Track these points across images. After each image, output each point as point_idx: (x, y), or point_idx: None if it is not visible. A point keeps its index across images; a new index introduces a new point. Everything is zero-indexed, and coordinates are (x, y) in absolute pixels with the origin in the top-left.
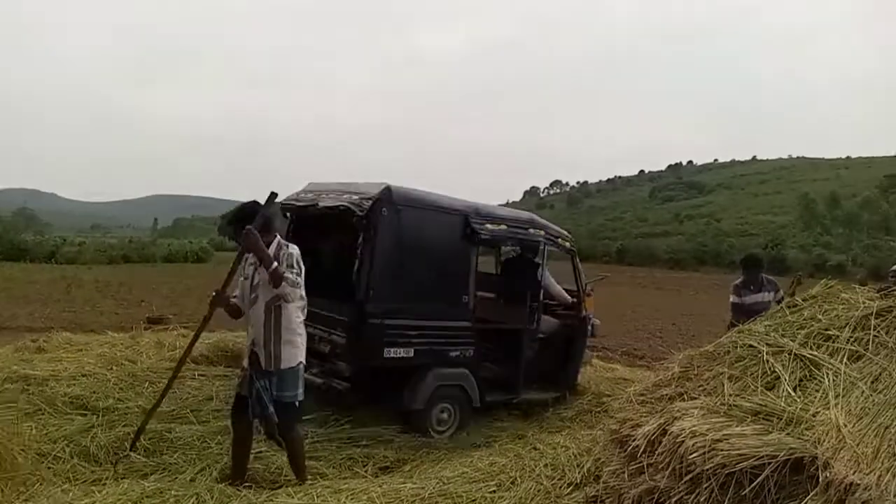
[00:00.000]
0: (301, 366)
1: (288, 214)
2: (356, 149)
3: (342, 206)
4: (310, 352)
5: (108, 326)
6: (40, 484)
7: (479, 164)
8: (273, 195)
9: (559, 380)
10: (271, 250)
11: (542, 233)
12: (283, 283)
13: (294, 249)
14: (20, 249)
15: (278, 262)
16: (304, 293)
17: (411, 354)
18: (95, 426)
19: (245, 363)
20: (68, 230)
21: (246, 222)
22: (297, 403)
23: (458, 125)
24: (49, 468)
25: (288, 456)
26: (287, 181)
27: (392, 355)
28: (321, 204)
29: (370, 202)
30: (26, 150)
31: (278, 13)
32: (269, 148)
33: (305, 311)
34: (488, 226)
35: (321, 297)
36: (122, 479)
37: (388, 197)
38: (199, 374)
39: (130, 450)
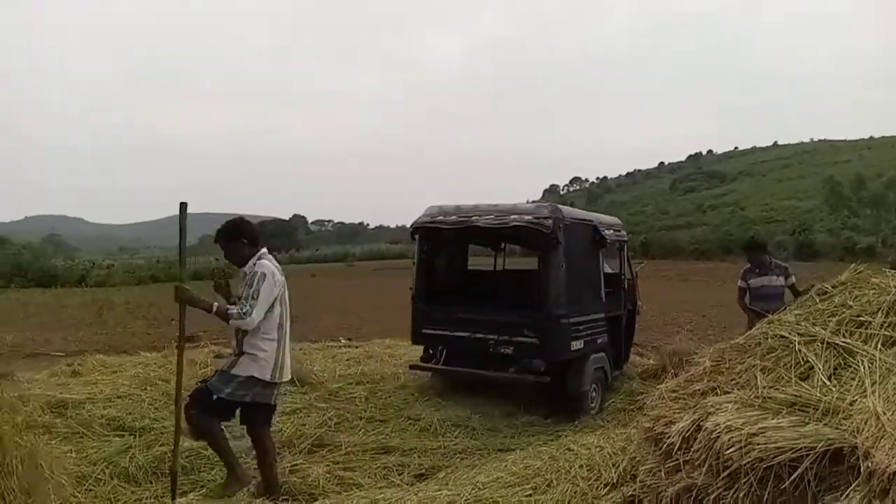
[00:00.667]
0: (250, 378)
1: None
2: (368, 156)
3: (521, 224)
4: (485, 355)
5: (140, 347)
6: None
7: (497, 165)
8: (183, 205)
9: (621, 357)
10: (250, 264)
11: (623, 232)
12: (231, 321)
13: (262, 268)
14: (50, 276)
15: (245, 276)
16: (271, 311)
17: (583, 346)
18: (133, 447)
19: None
20: (97, 254)
21: (227, 240)
22: (214, 397)
23: (472, 127)
24: (90, 490)
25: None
26: (305, 193)
27: (574, 348)
28: (483, 223)
29: (550, 220)
30: (51, 178)
31: (279, 26)
32: (284, 161)
33: (280, 325)
34: (607, 231)
35: (491, 306)
36: (160, 498)
37: (559, 215)
38: None
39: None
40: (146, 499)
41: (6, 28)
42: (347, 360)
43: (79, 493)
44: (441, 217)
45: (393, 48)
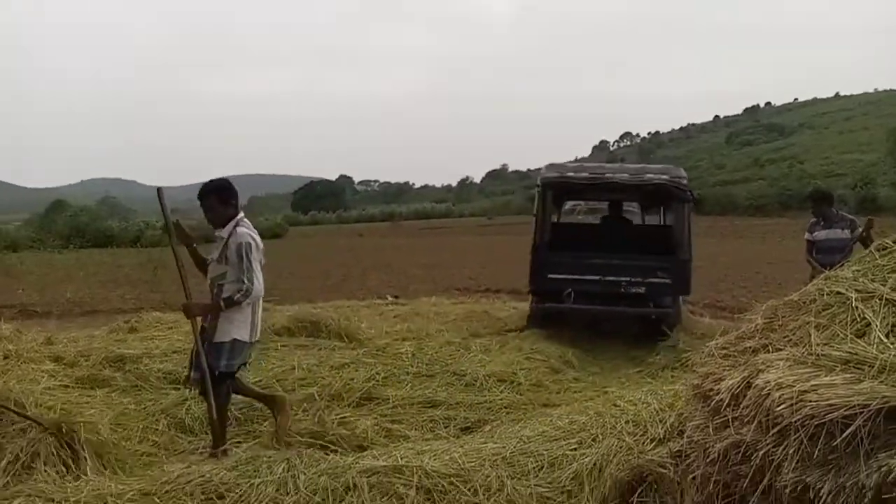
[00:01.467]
0: (234, 342)
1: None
2: (415, 115)
3: (661, 182)
4: (615, 296)
5: None
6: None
7: (544, 121)
8: (160, 190)
9: None
10: (228, 227)
11: None
12: (242, 304)
13: (244, 237)
14: (106, 236)
15: (227, 247)
16: (255, 277)
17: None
18: (188, 399)
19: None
20: (150, 215)
21: (219, 200)
22: (216, 373)
23: (519, 83)
24: (150, 441)
25: (208, 417)
26: (352, 154)
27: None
28: (619, 180)
29: (685, 180)
30: (106, 142)
31: None
32: (331, 122)
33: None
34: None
35: (626, 251)
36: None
37: (685, 175)
38: (281, 346)
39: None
40: (202, 448)
41: None
42: (394, 317)
43: (139, 442)
44: (571, 174)
45: (444, 2)
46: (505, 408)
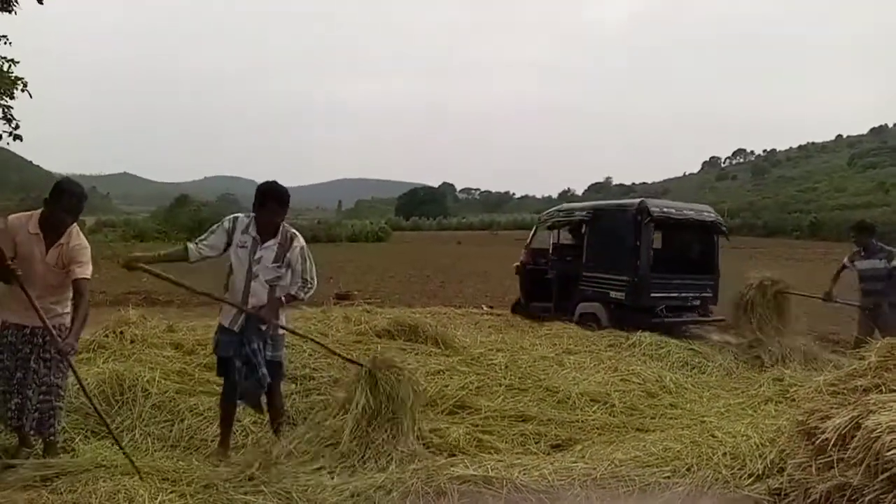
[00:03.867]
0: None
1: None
2: (520, 125)
3: (711, 219)
4: (683, 308)
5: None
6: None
7: (651, 134)
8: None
9: None
10: (280, 233)
11: None
12: (305, 300)
13: (303, 241)
14: None
15: (289, 252)
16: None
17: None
18: (294, 393)
19: (228, 324)
20: None
21: (284, 205)
22: (280, 362)
23: (629, 96)
24: (262, 429)
25: (272, 418)
26: (455, 162)
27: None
28: (692, 217)
29: (720, 216)
30: (228, 141)
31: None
32: (442, 131)
33: None
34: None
35: (682, 273)
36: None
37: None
38: (381, 347)
39: None
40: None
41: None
42: (489, 327)
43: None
44: (670, 209)
45: (555, 14)
46: (597, 428)
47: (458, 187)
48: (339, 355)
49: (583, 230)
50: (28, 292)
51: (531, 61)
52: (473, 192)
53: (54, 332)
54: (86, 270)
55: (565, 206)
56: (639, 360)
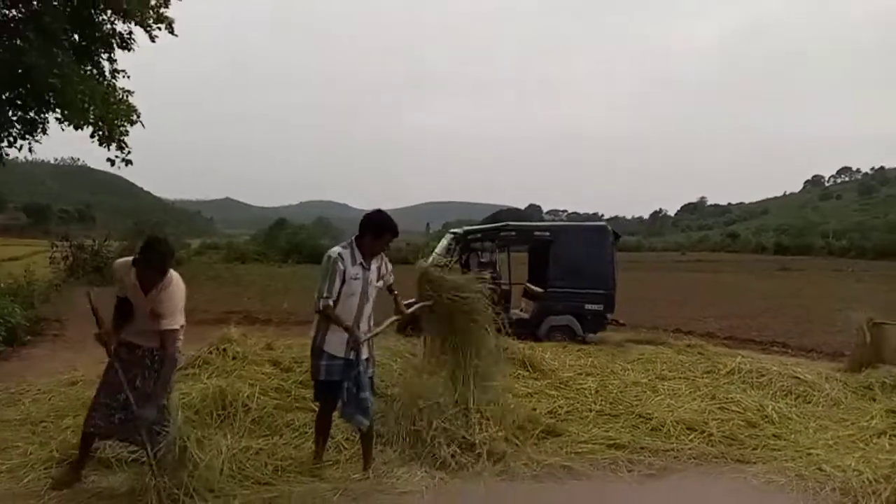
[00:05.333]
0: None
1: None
2: (603, 143)
3: None
4: None
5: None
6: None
7: (749, 153)
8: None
9: None
10: (379, 258)
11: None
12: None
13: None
14: (320, 253)
15: (382, 265)
16: None
17: None
18: (386, 413)
19: (344, 354)
20: None
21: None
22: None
23: (724, 114)
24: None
25: (365, 436)
26: (542, 183)
27: None
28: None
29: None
30: (322, 168)
31: (517, 18)
32: (517, 151)
33: None
34: None
35: None
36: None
37: None
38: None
39: None
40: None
41: (294, 34)
42: (578, 350)
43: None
44: None
45: (638, 33)
46: (693, 458)
47: (545, 209)
48: (404, 312)
49: (543, 250)
50: (109, 349)
51: (621, 78)
52: (560, 213)
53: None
54: (170, 322)
55: (487, 227)
56: (738, 387)
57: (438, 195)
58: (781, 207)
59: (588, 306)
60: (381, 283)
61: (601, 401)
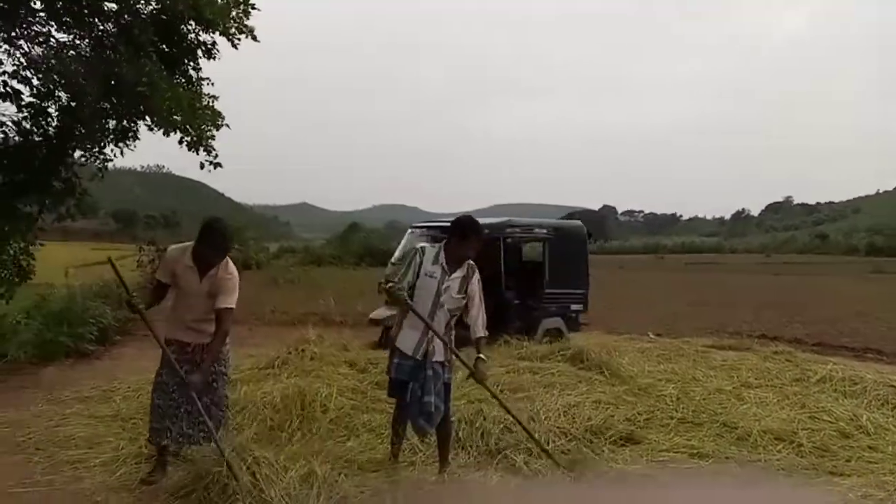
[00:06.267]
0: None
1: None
2: (681, 142)
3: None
4: None
5: None
6: None
7: (838, 151)
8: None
9: None
10: (468, 271)
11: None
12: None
13: (478, 274)
14: (390, 256)
15: (470, 283)
16: None
17: None
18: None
19: (412, 352)
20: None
21: (479, 240)
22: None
23: (803, 110)
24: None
25: (441, 439)
26: (616, 183)
27: None
28: None
29: None
30: (394, 172)
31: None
32: (589, 152)
33: None
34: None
35: None
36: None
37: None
38: (546, 373)
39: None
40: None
41: (375, 41)
42: (657, 355)
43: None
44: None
45: (714, 26)
46: (783, 470)
47: (620, 209)
48: (537, 442)
49: (541, 249)
50: (150, 324)
51: (696, 77)
52: (637, 214)
53: (200, 351)
54: (229, 300)
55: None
56: (829, 396)
57: (510, 197)
58: (874, 206)
59: (573, 307)
60: (462, 297)
61: (683, 408)
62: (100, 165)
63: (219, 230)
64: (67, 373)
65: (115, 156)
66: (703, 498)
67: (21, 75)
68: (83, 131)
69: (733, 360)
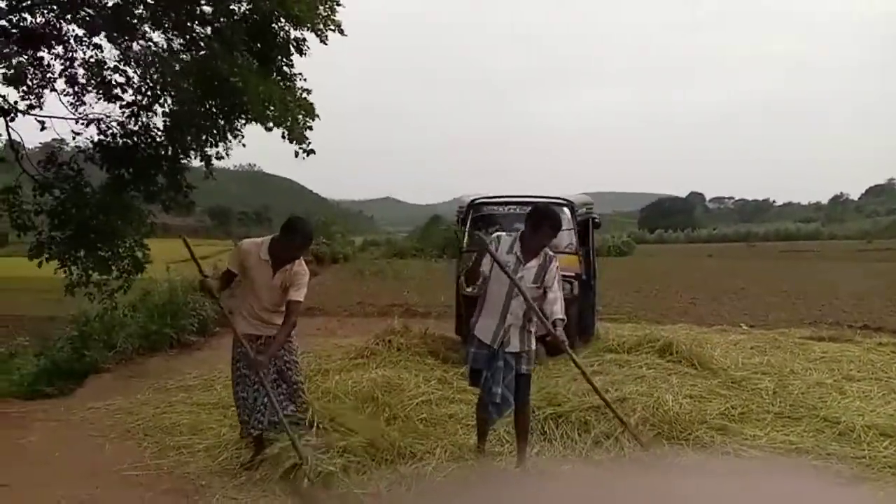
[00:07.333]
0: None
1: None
2: (773, 124)
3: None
4: None
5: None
6: None
7: None
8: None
9: None
10: (541, 253)
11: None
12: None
13: (557, 262)
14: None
15: (547, 272)
16: None
17: None
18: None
19: (489, 341)
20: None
21: (554, 228)
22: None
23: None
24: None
25: (518, 432)
26: (705, 169)
27: None
28: None
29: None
30: (468, 164)
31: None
32: (676, 136)
33: None
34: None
35: None
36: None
37: None
38: (636, 365)
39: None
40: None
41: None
42: (751, 347)
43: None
44: None
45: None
46: (890, 467)
47: (709, 196)
48: (619, 417)
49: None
50: (220, 301)
51: (781, 54)
52: (726, 200)
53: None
54: (300, 294)
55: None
56: None
57: (595, 185)
58: None
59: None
60: (537, 287)
61: (780, 402)
62: (205, 168)
63: (301, 229)
64: (171, 363)
65: (219, 157)
66: (806, 493)
67: (125, 76)
68: (186, 131)
69: (834, 352)
